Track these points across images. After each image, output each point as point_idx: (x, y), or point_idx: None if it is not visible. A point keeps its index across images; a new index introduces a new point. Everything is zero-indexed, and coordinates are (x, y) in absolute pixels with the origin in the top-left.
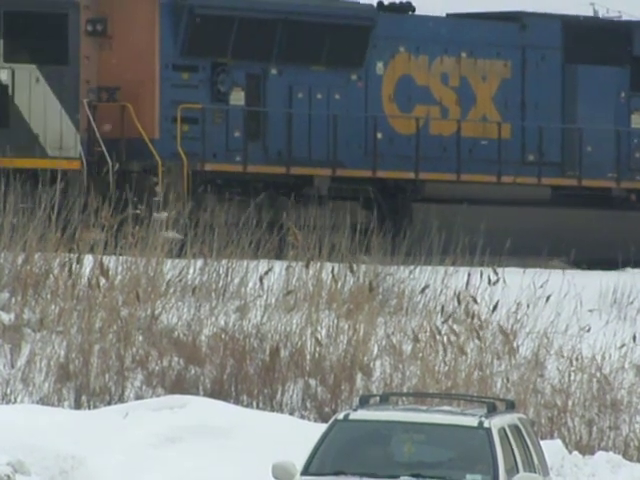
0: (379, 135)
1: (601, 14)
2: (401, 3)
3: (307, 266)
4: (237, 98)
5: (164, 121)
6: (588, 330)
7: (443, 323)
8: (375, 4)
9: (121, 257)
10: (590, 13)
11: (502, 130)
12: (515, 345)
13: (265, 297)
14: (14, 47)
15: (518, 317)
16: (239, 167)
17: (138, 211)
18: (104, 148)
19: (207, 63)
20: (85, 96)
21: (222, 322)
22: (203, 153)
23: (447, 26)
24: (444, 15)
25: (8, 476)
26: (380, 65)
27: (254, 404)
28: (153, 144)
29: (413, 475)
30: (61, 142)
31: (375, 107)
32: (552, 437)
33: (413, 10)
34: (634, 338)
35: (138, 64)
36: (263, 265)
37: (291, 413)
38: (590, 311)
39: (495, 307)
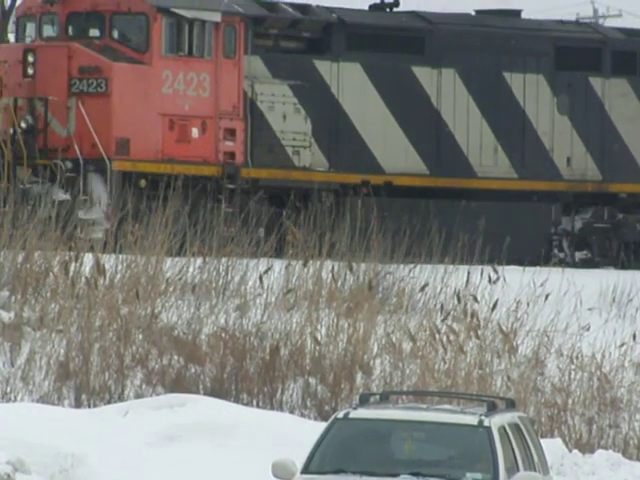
0: None
1: (600, 13)
2: None
3: None
4: None
5: None
6: (588, 329)
7: (442, 321)
8: None
9: (121, 255)
10: (590, 12)
11: None
12: (515, 344)
13: (265, 295)
14: None
15: (518, 315)
16: None
17: None
18: None
19: None
20: None
21: (222, 321)
22: None
23: None
24: None
25: (8, 475)
26: None
27: (254, 403)
28: None
29: (413, 473)
30: None
31: None
32: (552, 435)
33: None
34: (634, 336)
35: None
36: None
37: (291, 411)
38: (590, 309)
39: (495, 305)
